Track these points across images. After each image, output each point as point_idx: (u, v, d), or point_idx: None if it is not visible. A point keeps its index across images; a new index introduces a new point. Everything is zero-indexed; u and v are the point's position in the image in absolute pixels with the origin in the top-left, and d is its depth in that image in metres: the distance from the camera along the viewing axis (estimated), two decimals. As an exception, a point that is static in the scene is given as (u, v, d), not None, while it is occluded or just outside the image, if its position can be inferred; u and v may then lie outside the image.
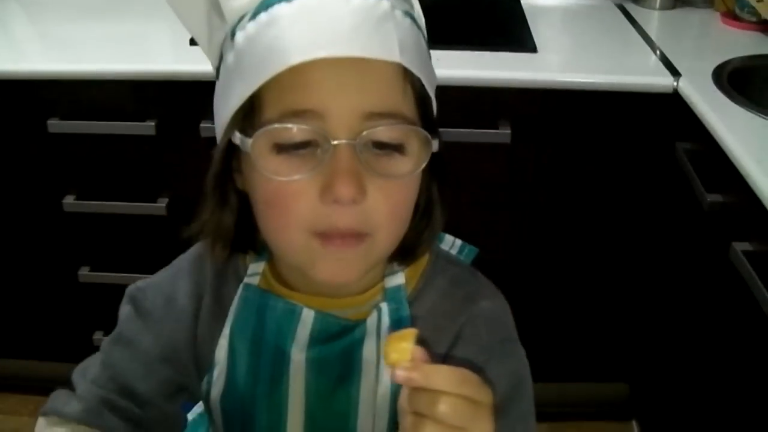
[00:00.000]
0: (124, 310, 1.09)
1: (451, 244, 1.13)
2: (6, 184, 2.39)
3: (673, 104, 2.06)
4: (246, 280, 1.04)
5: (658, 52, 2.25)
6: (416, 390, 0.77)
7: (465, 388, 0.77)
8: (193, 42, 2.26)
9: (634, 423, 2.61)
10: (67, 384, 1.10)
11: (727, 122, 1.81)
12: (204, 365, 1.06)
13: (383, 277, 1.03)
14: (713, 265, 1.84)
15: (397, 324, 0.99)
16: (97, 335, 2.57)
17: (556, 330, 2.41)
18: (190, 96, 2.14)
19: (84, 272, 2.48)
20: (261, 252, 1.04)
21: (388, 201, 0.87)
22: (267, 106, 0.86)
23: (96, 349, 2.58)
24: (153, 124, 2.20)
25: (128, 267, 2.41)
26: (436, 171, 0.96)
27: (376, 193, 0.86)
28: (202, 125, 2.12)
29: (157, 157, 2.28)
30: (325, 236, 0.87)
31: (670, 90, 2.07)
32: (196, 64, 2.09)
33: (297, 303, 1.00)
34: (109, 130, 2.22)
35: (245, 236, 0.97)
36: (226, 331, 1.03)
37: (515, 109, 2.14)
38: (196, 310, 1.06)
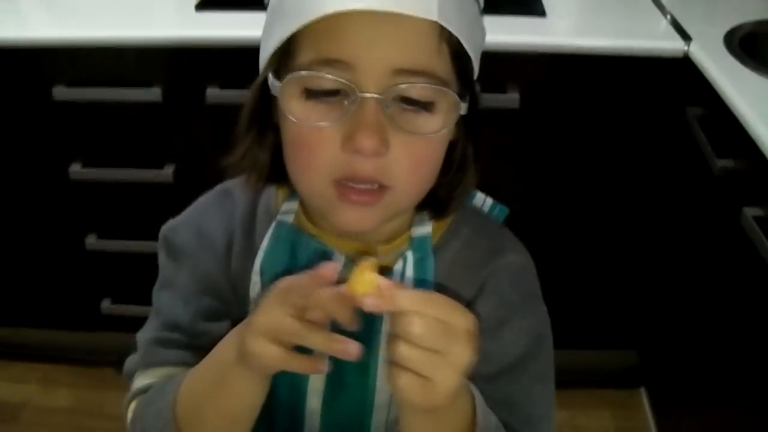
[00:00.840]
0: (160, 255, 1.11)
1: (482, 202, 1.13)
2: (12, 153, 2.38)
3: (683, 69, 2.04)
4: (279, 217, 1.05)
5: (668, 16, 2.23)
6: (393, 316, 0.77)
7: (434, 309, 0.76)
8: (198, 7, 2.25)
9: (642, 390, 2.61)
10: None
11: (738, 87, 1.79)
12: (241, 297, 1.07)
13: (411, 226, 1.04)
14: (724, 230, 1.83)
15: (421, 273, 1.00)
16: (105, 303, 2.58)
17: (564, 297, 2.40)
18: (195, 62, 2.13)
19: (91, 240, 2.48)
20: (293, 194, 1.05)
21: (410, 157, 0.88)
22: (301, 52, 0.87)
23: (103, 317, 2.60)
24: (159, 90, 2.18)
25: (135, 234, 2.41)
26: (472, 130, 0.97)
27: (399, 148, 0.86)
28: (208, 91, 2.11)
29: (163, 124, 2.27)
30: (343, 187, 0.88)
31: (681, 54, 2.05)
32: (202, 30, 2.09)
33: (329, 246, 1.02)
34: (115, 97, 2.21)
35: (280, 170, 0.97)
36: (257, 267, 1.04)
37: (524, 74, 2.13)
38: (228, 243, 1.07)
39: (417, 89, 0.86)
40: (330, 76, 0.84)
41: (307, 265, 0.98)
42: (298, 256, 1.03)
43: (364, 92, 0.84)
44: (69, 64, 2.20)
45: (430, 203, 1.00)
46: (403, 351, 0.76)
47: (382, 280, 0.78)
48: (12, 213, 2.50)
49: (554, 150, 2.26)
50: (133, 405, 1.04)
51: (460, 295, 1.00)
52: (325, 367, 0.84)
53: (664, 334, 2.38)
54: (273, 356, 0.82)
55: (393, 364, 0.77)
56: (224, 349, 0.92)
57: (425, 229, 1.03)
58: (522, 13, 2.22)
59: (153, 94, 2.19)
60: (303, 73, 0.85)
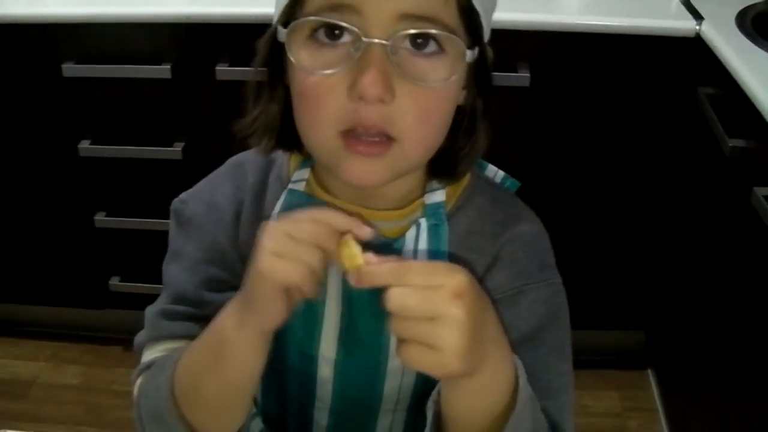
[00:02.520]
0: (171, 227, 1.11)
1: (494, 174, 1.13)
2: (21, 130, 2.39)
3: (695, 48, 2.04)
4: (291, 186, 1.05)
5: (680, -5, 2.22)
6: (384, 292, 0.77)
7: (416, 277, 0.75)
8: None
9: (650, 371, 2.61)
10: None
11: (750, 66, 1.78)
12: (250, 267, 1.07)
13: (423, 193, 1.03)
14: (734, 210, 1.82)
15: (435, 241, 1.00)
16: (113, 280, 2.58)
17: (573, 277, 2.38)
18: (205, 39, 2.13)
19: (100, 217, 2.48)
20: (305, 160, 1.05)
21: (417, 106, 0.87)
22: (309, 1, 0.87)
23: (112, 294, 2.60)
24: (168, 67, 2.18)
25: (144, 212, 2.40)
26: (482, 86, 0.97)
27: (406, 97, 0.86)
28: (217, 68, 2.11)
29: (172, 100, 2.27)
30: (350, 138, 0.88)
31: (693, 34, 2.04)
32: (212, 6, 2.08)
33: None
34: (125, 73, 2.22)
35: (292, 133, 0.97)
36: None
37: (534, 53, 2.12)
38: (237, 212, 1.07)
39: (423, 35, 0.86)
40: (338, 21, 0.84)
41: None
42: None
43: (370, 37, 0.84)
44: (78, 40, 2.21)
45: (439, 166, 1.00)
46: (398, 326, 0.76)
47: (364, 257, 0.79)
48: (21, 190, 2.50)
49: (565, 129, 2.25)
50: (139, 381, 1.04)
51: (473, 265, 1.00)
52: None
53: (672, 314, 2.37)
54: (285, 269, 0.81)
55: (398, 339, 0.77)
56: (223, 318, 0.91)
57: (438, 196, 1.03)
58: (533, -8, 2.21)
59: (163, 71, 2.19)
60: (309, 18, 0.86)
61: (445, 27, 0.86)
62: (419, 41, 0.86)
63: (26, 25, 2.19)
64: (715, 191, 2.01)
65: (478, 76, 0.94)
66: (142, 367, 1.04)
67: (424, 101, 0.88)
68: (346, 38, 0.86)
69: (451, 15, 0.87)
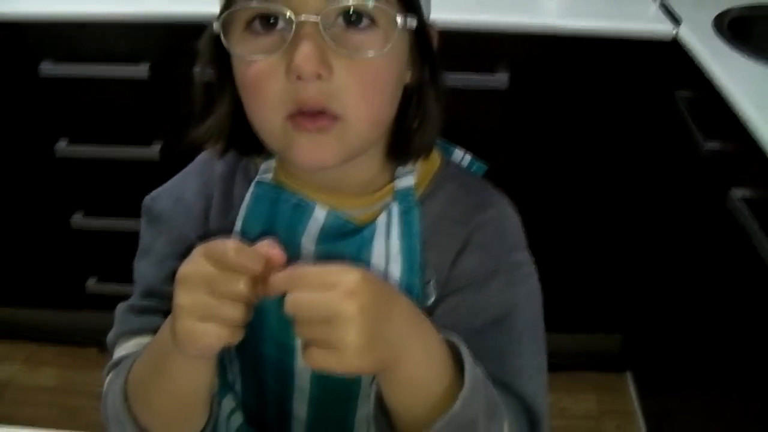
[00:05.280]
0: (142, 224, 1.11)
1: (461, 157, 1.14)
2: (-2, 130, 2.37)
3: (672, 52, 2.05)
4: (258, 177, 1.06)
5: (658, -1, 2.23)
6: None
7: (307, 280, 0.76)
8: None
9: (628, 374, 2.62)
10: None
11: (727, 70, 1.80)
12: None
13: (393, 179, 1.04)
14: (711, 212, 1.83)
15: (407, 226, 1.01)
16: (90, 282, 2.57)
17: (549, 280, 2.39)
18: (184, 39, 2.09)
19: (77, 218, 2.47)
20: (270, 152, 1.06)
21: (357, 80, 0.88)
22: None
23: (89, 295, 2.58)
24: (146, 67, 2.17)
25: (122, 212, 2.39)
26: (426, 62, 0.98)
27: (345, 71, 0.87)
28: (196, 69, 2.09)
29: (150, 101, 2.26)
30: (297, 118, 0.89)
31: (670, 38, 2.05)
32: (191, 6, 2.07)
33: (309, 199, 1.03)
34: (102, 73, 2.21)
35: (246, 134, 0.98)
36: (237, 228, 1.04)
37: (513, 55, 2.13)
38: (205, 207, 1.08)
39: (352, 7, 0.87)
40: (256, 4, 0.87)
41: (289, 221, 1.02)
42: (279, 211, 1.03)
43: (298, 16, 0.85)
44: (56, 39, 2.19)
45: (396, 147, 1.01)
46: (300, 329, 0.76)
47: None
48: (-3, 190, 2.48)
49: (543, 131, 2.26)
50: (107, 379, 1.03)
51: (447, 248, 1.02)
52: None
53: (649, 317, 2.39)
54: (206, 333, 0.80)
55: (303, 343, 0.78)
56: (163, 333, 0.90)
57: (407, 181, 1.04)
58: (512, -6, 2.22)
59: (140, 71, 2.18)
60: (237, 7, 0.88)
61: None
62: (351, 16, 0.88)
63: (2, 23, 2.17)
64: (691, 193, 2.02)
65: (421, 52, 0.96)
66: (111, 363, 1.04)
67: (363, 74, 0.89)
68: (281, 24, 0.88)
69: None
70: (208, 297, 0.78)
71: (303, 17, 0.85)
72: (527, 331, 1.00)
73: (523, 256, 1.05)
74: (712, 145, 1.81)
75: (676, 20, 2.07)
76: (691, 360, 2.03)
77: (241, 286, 0.78)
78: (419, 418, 0.82)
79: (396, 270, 1.01)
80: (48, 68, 2.20)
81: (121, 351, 1.04)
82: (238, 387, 1.18)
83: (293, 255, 1.01)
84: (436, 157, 1.09)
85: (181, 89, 2.25)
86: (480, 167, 1.14)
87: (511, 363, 0.97)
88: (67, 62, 2.20)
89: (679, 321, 2.10)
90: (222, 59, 0.95)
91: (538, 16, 2.13)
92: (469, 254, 1.02)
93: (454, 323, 0.96)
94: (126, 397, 0.95)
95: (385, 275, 1.01)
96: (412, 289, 1.01)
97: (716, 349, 1.85)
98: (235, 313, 0.79)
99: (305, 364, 0.77)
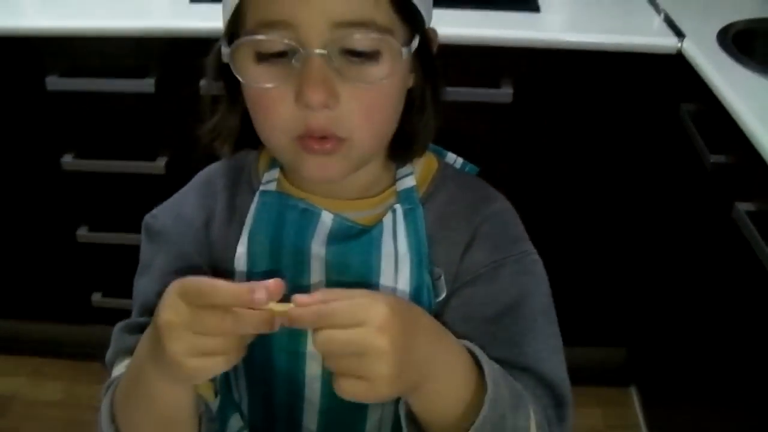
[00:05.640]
0: (142, 241, 1.13)
1: (453, 161, 1.18)
2: (4, 143, 2.37)
3: (677, 65, 2.05)
4: (262, 188, 1.08)
5: (662, 13, 2.23)
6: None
7: (338, 318, 0.77)
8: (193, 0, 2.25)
9: (632, 388, 2.62)
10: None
11: (731, 83, 1.80)
12: (223, 276, 1.07)
13: (395, 181, 1.08)
14: (716, 225, 1.83)
15: (412, 224, 1.04)
16: (96, 296, 2.57)
17: (555, 294, 2.39)
18: (190, 53, 2.08)
19: (82, 232, 2.47)
20: (273, 161, 1.10)
21: (362, 106, 0.92)
22: (247, 18, 0.92)
23: (94, 309, 2.58)
24: (152, 81, 2.18)
25: (127, 227, 2.39)
26: (429, 72, 1.02)
27: (350, 98, 0.91)
28: (202, 83, 2.09)
29: (156, 115, 2.26)
30: (304, 140, 0.93)
31: (674, 51, 2.05)
32: (197, 20, 2.08)
33: (316, 205, 1.05)
34: (108, 87, 2.21)
35: (253, 134, 1.01)
36: (244, 238, 1.06)
37: (517, 69, 2.13)
38: (206, 220, 1.10)
39: (358, 40, 0.90)
40: (275, 37, 0.89)
41: (297, 226, 1.04)
42: (287, 218, 1.05)
43: (307, 48, 0.88)
44: (62, 53, 2.20)
45: (397, 149, 1.05)
46: (330, 362, 0.79)
47: (292, 300, 0.80)
48: (3, 204, 2.49)
49: (547, 146, 2.26)
50: (104, 399, 1.04)
51: (454, 244, 1.05)
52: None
53: (654, 331, 2.38)
54: (204, 368, 0.81)
55: (332, 373, 0.79)
56: (139, 355, 0.91)
57: (409, 182, 1.07)
58: (516, 9, 2.22)
59: (146, 84, 2.18)
60: (248, 38, 0.91)
61: (378, 28, 0.90)
62: (356, 48, 0.91)
63: (10, 38, 2.18)
64: (696, 207, 2.02)
65: (422, 59, 0.99)
66: (108, 383, 1.04)
67: (368, 100, 0.93)
68: (289, 54, 0.90)
69: (383, 14, 0.91)
70: (195, 338, 0.79)
71: (311, 50, 0.88)
72: (540, 315, 1.04)
73: (527, 246, 1.09)
74: (717, 158, 1.81)
75: (680, 34, 2.07)
76: (696, 373, 2.02)
77: (224, 321, 0.78)
78: (451, 424, 0.85)
79: (405, 269, 1.03)
80: (54, 82, 2.20)
81: (118, 370, 1.04)
82: (244, 406, 1.18)
83: (303, 259, 1.04)
84: (432, 159, 1.13)
85: (187, 104, 2.26)
86: (472, 168, 1.18)
87: (529, 347, 1.00)
88: (73, 76, 2.20)
89: (684, 334, 2.10)
90: (229, 76, 0.97)
91: (543, 31, 2.13)
92: (476, 248, 1.05)
93: (468, 315, 1.01)
94: (113, 419, 0.96)
95: (395, 274, 1.03)
96: (422, 286, 1.03)
97: (721, 362, 1.84)
98: (227, 342, 0.80)
99: (316, 371, 0.79)
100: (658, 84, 2.13)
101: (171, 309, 0.80)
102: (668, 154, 2.18)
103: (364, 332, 0.76)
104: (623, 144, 2.24)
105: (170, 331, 0.80)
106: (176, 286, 0.81)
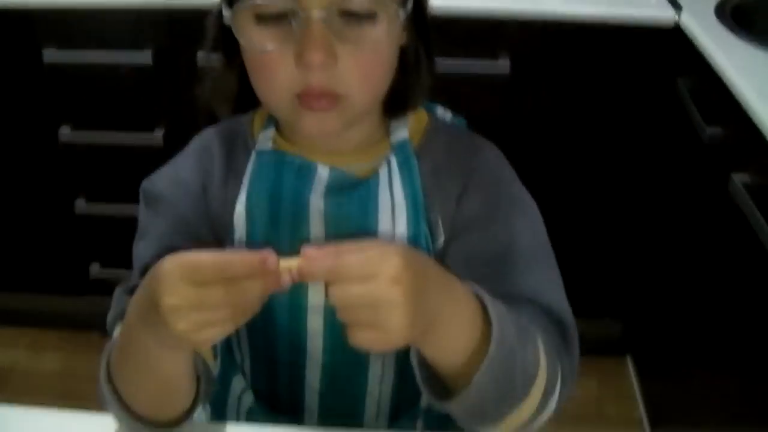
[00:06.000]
0: (140, 207, 1.14)
1: (442, 114, 1.21)
2: (1, 116, 2.37)
3: (674, 39, 2.05)
4: (258, 147, 1.11)
5: (660, -15, 2.23)
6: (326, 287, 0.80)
7: (351, 271, 0.78)
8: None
9: (628, 359, 2.63)
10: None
11: (729, 56, 1.80)
12: (223, 235, 1.11)
13: (389, 135, 1.12)
14: (712, 197, 1.84)
15: (407, 174, 1.07)
16: (94, 267, 2.58)
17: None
18: (187, 25, 2.10)
19: (80, 204, 2.47)
20: (268, 121, 1.13)
21: (359, 65, 0.96)
22: None
23: (92, 281, 2.58)
24: (150, 53, 2.18)
25: (124, 198, 2.40)
26: (422, 32, 1.06)
27: (348, 58, 0.95)
28: (199, 55, 2.08)
29: (153, 87, 2.26)
30: (304, 97, 0.97)
31: (672, 24, 2.05)
32: (194, -8, 2.07)
33: (312, 160, 1.08)
34: (106, 59, 2.21)
35: (250, 94, 1.04)
36: (243, 197, 1.08)
37: (515, 42, 2.13)
38: (203, 183, 1.11)
39: (355, 1, 0.94)
40: (266, 0, 0.93)
41: (295, 181, 1.07)
42: (284, 174, 1.08)
43: (306, 11, 0.92)
44: (60, 26, 2.20)
45: (392, 105, 1.09)
46: (343, 315, 0.79)
47: (302, 252, 0.80)
48: (1, 177, 2.49)
49: (544, 117, 2.26)
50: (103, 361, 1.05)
51: (449, 191, 1.09)
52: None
53: (650, 302, 2.39)
54: (211, 337, 0.81)
55: (345, 324, 0.80)
56: (130, 322, 0.91)
57: (402, 134, 1.11)
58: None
59: (144, 57, 2.18)
60: (245, 1, 0.94)
61: None
62: (353, 9, 0.94)
63: (7, 10, 2.17)
64: (693, 179, 2.02)
65: (415, 17, 1.02)
66: (109, 346, 1.03)
67: (365, 59, 0.97)
68: (289, 16, 0.94)
69: None
70: (201, 314, 0.79)
71: (310, 13, 0.92)
72: (538, 251, 1.08)
73: (520, 189, 1.13)
74: (713, 131, 1.81)
75: (677, 7, 2.07)
76: (691, 344, 2.03)
77: (231, 294, 0.78)
78: (462, 365, 0.87)
79: (402, 217, 1.06)
80: (52, 54, 2.20)
81: (118, 332, 1.04)
82: (246, 367, 1.20)
83: (302, 213, 1.07)
84: (423, 113, 1.16)
85: (184, 75, 2.27)
86: (461, 121, 1.22)
87: (529, 281, 1.03)
88: (70, 49, 2.20)
89: (680, 305, 2.11)
90: (228, 38, 1.00)
91: (540, 3, 2.13)
92: (471, 194, 1.08)
93: (468, 258, 1.04)
94: (110, 379, 0.97)
95: (392, 222, 1.06)
96: (419, 234, 1.07)
97: (716, 333, 1.86)
98: (235, 312, 0.80)
99: (318, 325, 0.84)
100: (656, 57, 2.13)
101: (173, 292, 0.79)
102: (665, 127, 2.18)
103: (378, 285, 0.77)
104: (620, 117, 2.24)
105: (176, 314, 0.79)
106: (175, 267, 0.79)
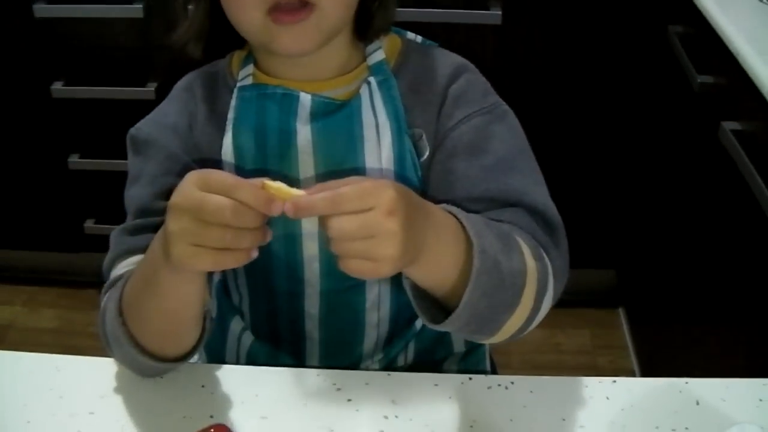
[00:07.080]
0: (129, 156, 1.15)
1: (414, 37, 1.22)
2: (-8, 72, 2.37)
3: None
4: (239, 84, 1.11)
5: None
6: (321, 220, 0.82)
7: (348, 203, 0.80)
8: None
9: (621, 309, 2.65)
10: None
11: (720, 4, 1.79)
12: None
13: (365, 58, 1.12)
14: (703, 145, 1.84)
15: (387, 92, 1.09)
16: (88, 223, 2.59)
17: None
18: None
19: (74, 159, 2.47)
20: (246, 59, 1.13)
21: None
22: None
23: (87, 237, 2.58)
24: (141, 6, 2.17)
25: (118, 153, 2.36)
26: None
27: None
28: (190, 7, 2.08)
29: (145, 40, 2.26)
30: (275, 13, 0.97)
31: (663, -29, 2.05)
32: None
33: (293, 89, 1.08)
34: (96, 13, 2.21)
35: (222, 34, 1.07)
36: (229, 132, 1.09)
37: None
38: (189, 123, 1.12)
39: None
40: None
41: (279, 110, 1.08)
42: (268, 105, 1.08)
43: None
44: (49, -21, 2.18)
45: (360, 25, 1.10)
46: (338, 247, 0.81)
47: (295, 191, 0.81)
48: (-6, 134, 2.49)
49: (536, 67, 2.27)
50: (104, 299, 1.05)
51: (428, 105, 1.11)
52: (256, 252, 0.85)
53: (642, 253, 2.40)
54: (197, 257, 0.83)
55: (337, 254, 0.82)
56: (153, 248, 0.93)
57: (378, 55, 1.12)
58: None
59: (135, 10, 2.18)
60: None
61: None
62: None
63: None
64: (684, 127, 2.02)
65: None
66: (108, 284, 1.06)
67: None
68: None
69: None
70: (194, 223, 0.81)
71: None
72: (519, 155, 1.10)
73: (497, 98, 1.15)
74: (704, 79, 1.81)
75: (669, -46, 2.07)
76: (683, 295, 2.04)
77: (227, 214, 0.80)
78: (453, 285, 0.90)
79: (387, 136, 1.08)
80: (42, 9, 2.20)
81: (117, 271, 1.06)
82: (245, 306, 1.21)
83: (289, 140, 1.08)
84: (395, 37, 1.17)
85: (176, 28, 2.25)
86: (432, 43, 1.22)
87: (513, 183, 1.05)
88: (61, 2, 2.20)
89: (672, 256, 2.12)
90: None
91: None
92: (449, 106, 1.10)
93: (453, 168, 1.07)
94: (121, 314, 0.98)
95: (377, 142, 1.08)
96: (404, 150, 1.09)
97: (708, 284, 1.86)
98: (224, 238, 0.81)
99: (313, 251, 0.91)
100: (647, 4, 2.13)
101: (182, 193, 0.83)
102: (656, 75, 2.18)
103: (374, 216, 0.79)
104: (611, 65, 2.25)
105: (174, 210, 0.83)
106: (194, 174, 0.84)
